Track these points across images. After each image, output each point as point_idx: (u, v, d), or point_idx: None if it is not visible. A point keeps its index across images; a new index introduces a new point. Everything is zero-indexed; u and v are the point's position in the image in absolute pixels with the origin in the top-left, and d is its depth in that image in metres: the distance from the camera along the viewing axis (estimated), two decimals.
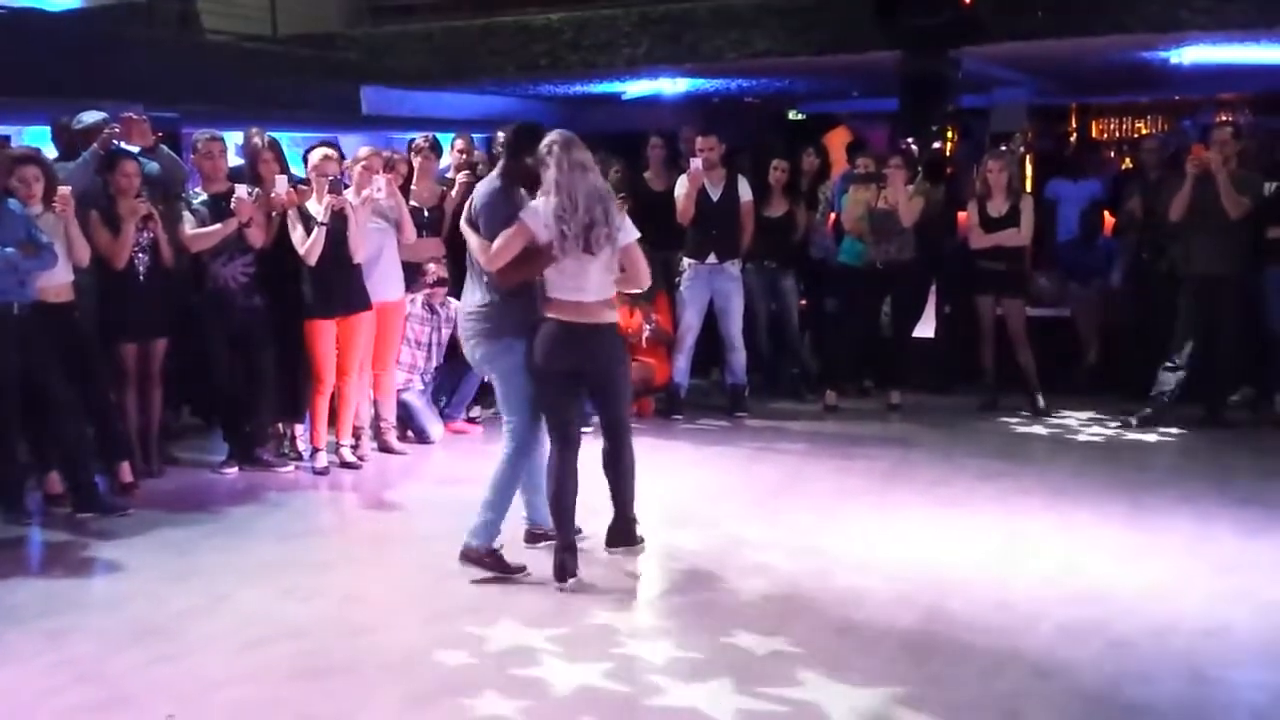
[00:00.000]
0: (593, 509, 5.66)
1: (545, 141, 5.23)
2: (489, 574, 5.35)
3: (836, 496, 6.73)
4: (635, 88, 12.60)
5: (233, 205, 6.96)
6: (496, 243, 5.22)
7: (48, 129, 7.91)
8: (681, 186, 8.47)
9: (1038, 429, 8.24)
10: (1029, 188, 11.01)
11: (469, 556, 5.39)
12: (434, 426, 8.08)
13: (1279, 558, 5.59)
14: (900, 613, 4.94)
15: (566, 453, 5.35)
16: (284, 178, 7.25)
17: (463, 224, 5.50)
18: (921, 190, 8.78)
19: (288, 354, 7.30)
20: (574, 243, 5.14)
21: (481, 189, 5.51)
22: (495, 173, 5.57)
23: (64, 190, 6.43)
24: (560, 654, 4.58)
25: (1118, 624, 4.78)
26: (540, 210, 5.19)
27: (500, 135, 8.66)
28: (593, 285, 5.25)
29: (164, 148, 7.69)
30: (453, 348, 8.22)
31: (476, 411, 8.56)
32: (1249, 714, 4.17)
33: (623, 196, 9.22)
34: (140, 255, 6.90)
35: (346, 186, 7.17)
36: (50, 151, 7.41)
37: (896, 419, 8.64)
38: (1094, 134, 15.52)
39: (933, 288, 9.40)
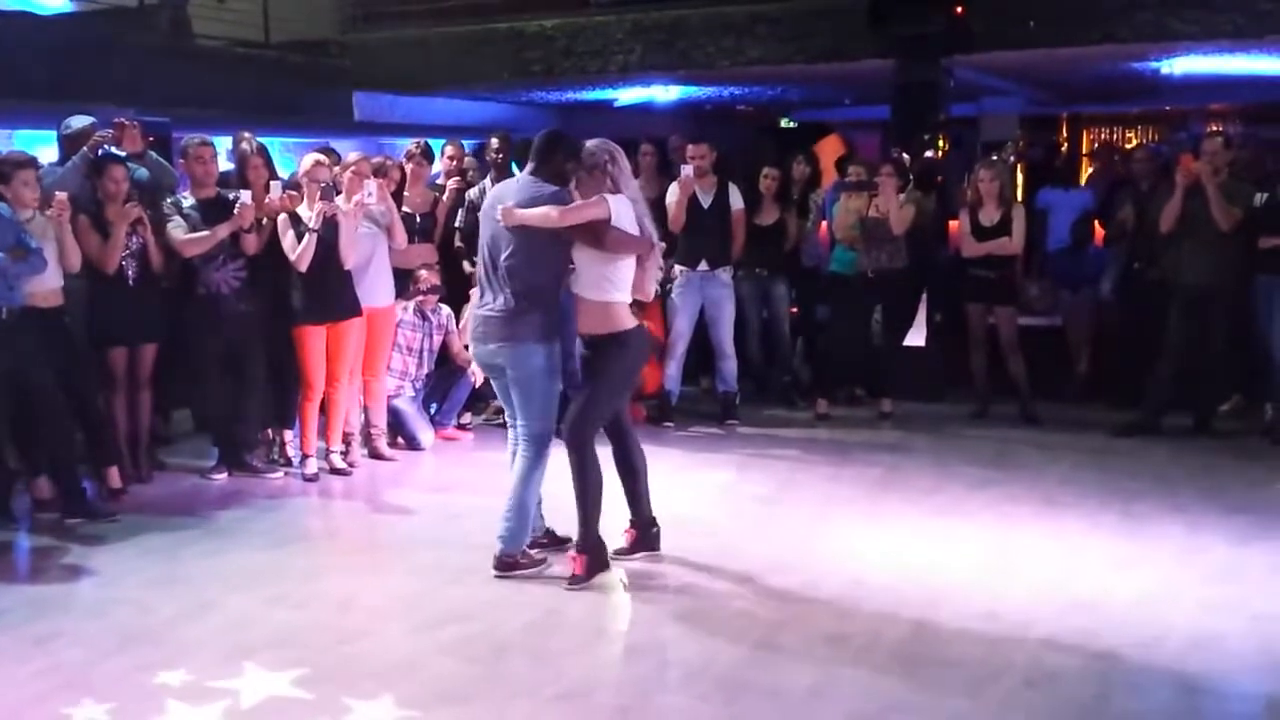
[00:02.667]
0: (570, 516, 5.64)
1: (600, 148, 5.41)
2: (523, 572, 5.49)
3: (827, 504, 6.73)
4: (628, 95, 12.62)
5: (236, 210, 6.94)
6: (578, 203, 5.31)
7: (39, 132, 7.90)
8: (673, 194, 8.46)
9: None
10: (1019, 196, 11.04)
11: (504, 564, 5.47)
12: (425, 433, 8.06)
13: (1269, 567, 5.59)
14: (890, 622, 4.93)
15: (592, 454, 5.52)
16: (278, 183, 7.24)
17: (512, 208, 5.32)
18: (913, 199, 8.78)
19: (278, 360, 7.29)
20: (656, 246, 5.49)
21: (530, 189, 5.40)
22: (528, 173, 5.53)
23: (61, 195, 6.42)
24: (548, 661, 4.58)
25: (1108, 634, 4.78)
26: (621, 207, 5.35)
27: (493, 141, 8.69)
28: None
29: (152, 153, 7.68)
30: (444, 355, 8.23)
31: (468, 418, 8.54)
32: None
33: None
34: (129, 260, 6.88)
35: (338, 193, 7.16)
36: (52, 155, 7.40)
37: (888, 427, 8.63)
38: (1085, 143, 15.58)
39: (924, 296, 9.41)
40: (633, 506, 5.77)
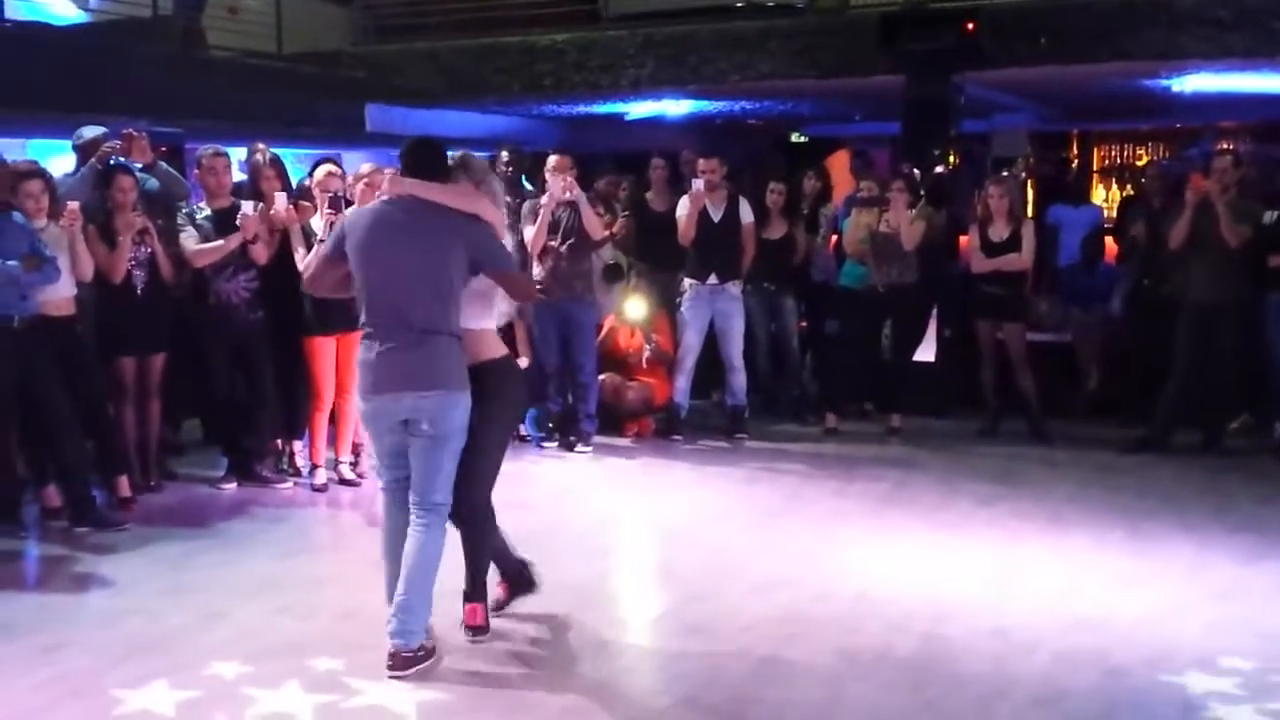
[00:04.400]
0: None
1: (479, 164, 4.90)
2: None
3: (835, 519, 6.72)
4: (638, 109, 12.65)
5: (238, 221, 6.97)
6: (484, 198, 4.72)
7: (53, 142, 7.94)
8: (683, 207, 8.49)
9: None
10: (1030, 213, 11.04)
11: (412, 661, 4.51)
12: None
13: (1276, 586, 5.58)
14: (897, 638, 4.93)
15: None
16: (284, 195, 7.25)
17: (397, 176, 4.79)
18: (924, 214, 8.79)
19: (287, 370, 7.30)
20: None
21: (403, 214, 4.59)
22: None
23: (73, 205, 6.46)
24: (554, 671, 4.58)
25: (1115, 652, 4.77)
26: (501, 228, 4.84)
27: (503, 154, 8.73)
28: None
29: (163, 164, 7.70)
30: None
31: None
32: None
33: (625, 215, 9.29)
34: (137, 271, 6.90)
35: (350, 204, 7.17)
36: (68, 165, 7.43)
37: (896, 442, 8.63)
38: (1096, 160, 15.59)
39: (933, 312, 9.41)
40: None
